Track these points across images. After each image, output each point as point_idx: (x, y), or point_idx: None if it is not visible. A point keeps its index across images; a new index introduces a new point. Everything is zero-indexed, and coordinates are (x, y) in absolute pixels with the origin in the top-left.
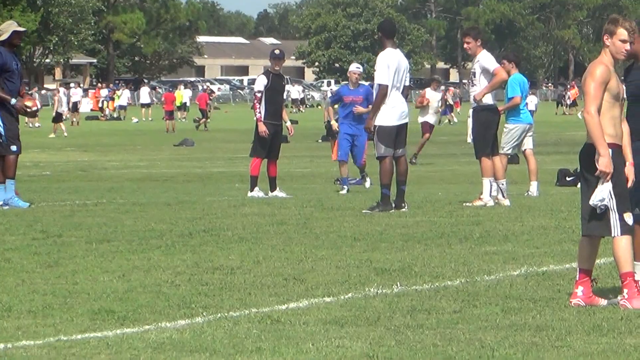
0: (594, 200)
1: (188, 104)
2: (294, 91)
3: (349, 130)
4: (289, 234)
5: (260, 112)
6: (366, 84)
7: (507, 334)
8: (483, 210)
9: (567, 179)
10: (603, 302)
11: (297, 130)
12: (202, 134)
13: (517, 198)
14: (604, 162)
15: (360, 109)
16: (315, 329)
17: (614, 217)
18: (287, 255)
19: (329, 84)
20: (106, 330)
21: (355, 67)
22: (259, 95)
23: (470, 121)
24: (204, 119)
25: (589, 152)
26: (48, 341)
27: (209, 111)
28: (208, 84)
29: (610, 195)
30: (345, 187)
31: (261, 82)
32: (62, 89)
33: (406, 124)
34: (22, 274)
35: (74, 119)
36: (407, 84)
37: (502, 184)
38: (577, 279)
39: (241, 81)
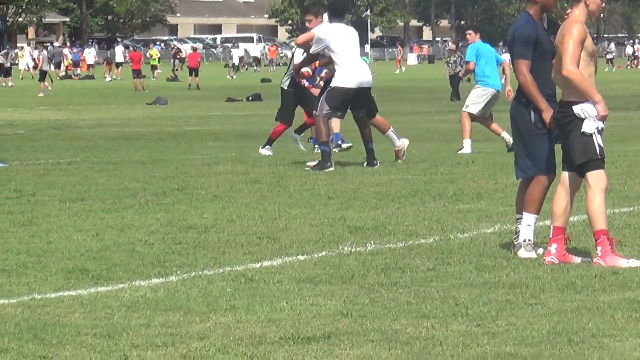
0: (590, 129)
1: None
2: (255, 50)
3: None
4: (262, 192)
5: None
6: None
7: (481, 291)
8: (457, 168)
9: None
10: (577, 259)
11: (270, 88)
12: (174, 92)
13: (491, 155)
14: (603, 107)
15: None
16: (289, 287)
17: (596, 142)
18: (260, 214)
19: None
20: (80, 289)
21: None
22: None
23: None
24: (197, 78)
25: (568, 110)
26: (22, 300)
27: (183, 69)
28: (175, 43)
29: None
30: (339, 142)
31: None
32: (30, 48)
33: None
34: None
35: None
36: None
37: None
38: (551, 236)
39: (214, 40)
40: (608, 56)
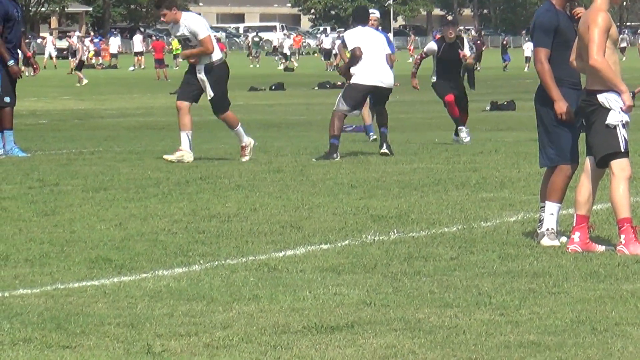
0: (615, 120)
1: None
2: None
3: None
4: (285, 181)
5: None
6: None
7: (504, 280)
8: (479, 157)
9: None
10: (600, 248)
11: (294, 77)
12: None
13: (514, 144)
14: (628, 97)
15: None
16: (312, 276)
17: (620, 134)
18: (283, 203)
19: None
20: (103, 279)
21: (371, 12)
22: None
23: None
24: None
25: (592, 99)
26: (45, 290)
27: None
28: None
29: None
30: (372, 133)
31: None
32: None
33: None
34: (19, 222)
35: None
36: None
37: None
38: (574, 225)
39: (237, 29)
40: (622, 44)
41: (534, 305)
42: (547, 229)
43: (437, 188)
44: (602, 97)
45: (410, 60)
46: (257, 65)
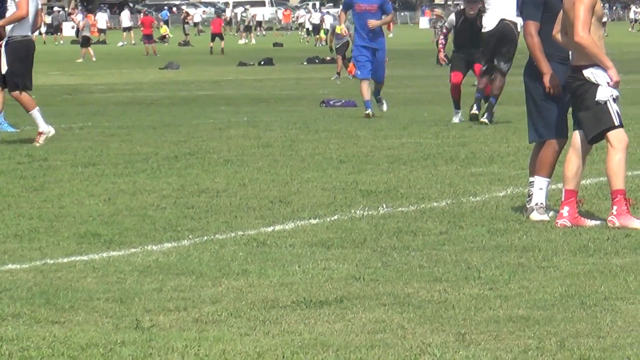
0: (604, 96)
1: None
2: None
3: (365, 42)
4: (274, 156)
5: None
6: None
7: (493, 255)
8: (469, 131)
9: None
10: (589, 222)
11: (283, 52)
12: (186, 57)
13: (503, 119)
14: (614, 72)
15: (374, 22)
16: (302, 251)
17: (612, 108)
18: (272, 178)
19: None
20: (92, 254)
21: None
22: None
23: None
24: (222, 42)
25: (578, 74)
26: (34, 265)
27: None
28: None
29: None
30: (369, 109)
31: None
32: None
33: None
34: (8, 198)
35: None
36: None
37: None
38: (563, 199)
39: (226, 4)
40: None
41: (523, 279)
42: (536, 204)
43: (426, 163)
44: (587, 72)
45: (391, 35)
46: (253, 41)
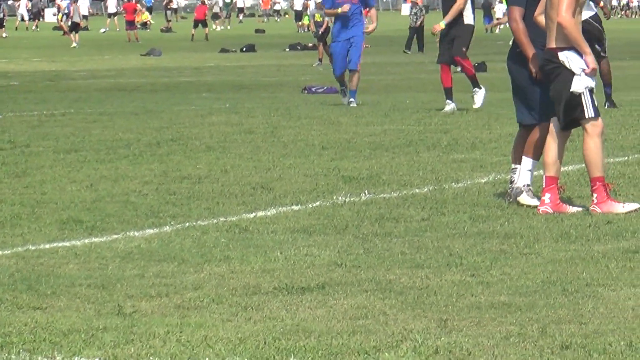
0: (579, 87)
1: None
2: None
3: (344, 34)
4: (256, 142)
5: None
6: None
7: (475, 241)
8: (451, 118)
9: None
10: (571, 209)
11: (265, 39)
12: (168, 43)
13: (485, 106)
14: (592, 59)
15: (371, 28)
16: (284, 237)
17: (586, 100)
18: (254, 164)
19: None
20: (74, 240)
21: None
22: None
23: None
24: (205, 29)
25: (553, 57)
26: (16, 251)
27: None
28: None
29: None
30: (352, 99)
31: None
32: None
33: None
34: None
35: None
36: None
37: None
38: (544, 186)
39: None
40: None
41: (505, 266)
42: (525, 185)
43: (408, 149)
44: (562, 56)
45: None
46: (228, 27)
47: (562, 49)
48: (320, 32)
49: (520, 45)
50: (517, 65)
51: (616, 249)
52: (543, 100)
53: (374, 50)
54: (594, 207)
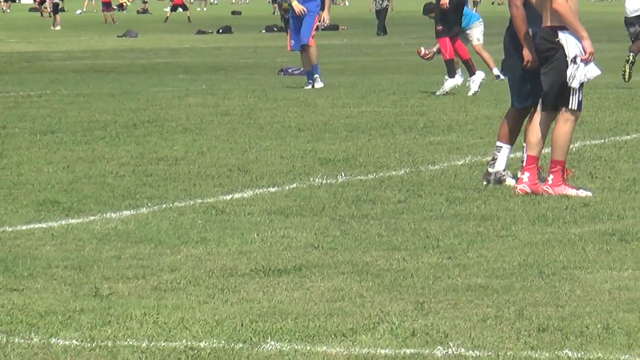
0: (575, 84)
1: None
2: None
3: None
4: (233, 124)
5: None
6: None
7: (451, 223)
8: (427, 100)
9: None
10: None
11: (241, 20)
12: (145, 25)
13: (462, 88)
14: (589, 43)
15: (326, 18)
16: (260, 219)
17: (574, 94)
18: (231, 146)
19: None
20: (51, 221)
21: None
22: None
23: None
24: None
25: (550, 36)
26: None
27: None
28: None
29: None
30: (316, 74)
31: None
32: None
33: None
34: None
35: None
36: None
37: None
38: (524, 164)
39: None
40: None
41: (482, 248)
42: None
43: (385, 131)
44: (562, 36)
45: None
46: (205, 9)
47: (562, 29)
48: (287, 17)
49: (517, 31)
50: (514, 45)
51: (593, 232)
52: (536, 85)
53: (350, 32)
54: (546, 187)
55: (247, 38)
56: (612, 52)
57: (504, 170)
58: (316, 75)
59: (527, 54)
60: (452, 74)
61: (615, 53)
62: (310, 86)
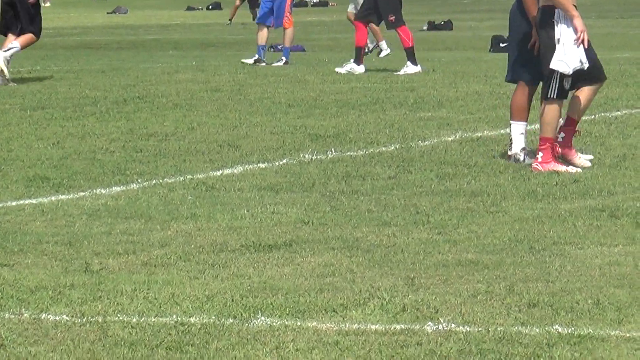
0: (574, 64)
1: None
2: None
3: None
4: (223, 100)
5: None
6: None
7: (442, 199)
8: (417, 76)
9: (501, 45)
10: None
11: None
12: (134, 1)
13: (451, 64)
14: (580, 23)
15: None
16: (250, 195)
17: (554, 83)
18: (221, 122)
19: None
20: (41, 197)
21: None
22: None
23: None
24: None
25: (544, 16)
26: None
27: None
28: None
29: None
30: (257, 56)
31: None
32: None
33: None
34: None
35: None
36: None
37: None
38: (539, 145)
39: None
40: None
41: (472, 224)
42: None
43: (375, 107)
44: (557, 16)
45: None
46: None
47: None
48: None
49: (526, 6)
50: (519, 19)
51: (583, 208)
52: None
53: (340, 8)
54: (536, 164)
55: (237, 14)
56: (601, 28)
57: (522, 149)
58: (283, 58)
59: (534, 32)
60: (359, 61)
61: (606, 29)
62: (263, 63)
